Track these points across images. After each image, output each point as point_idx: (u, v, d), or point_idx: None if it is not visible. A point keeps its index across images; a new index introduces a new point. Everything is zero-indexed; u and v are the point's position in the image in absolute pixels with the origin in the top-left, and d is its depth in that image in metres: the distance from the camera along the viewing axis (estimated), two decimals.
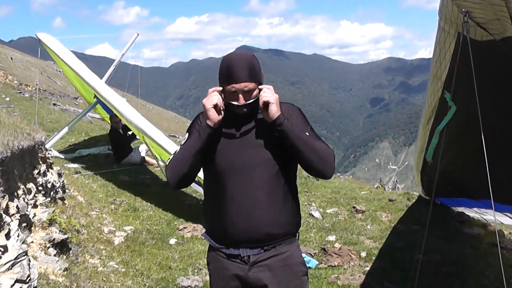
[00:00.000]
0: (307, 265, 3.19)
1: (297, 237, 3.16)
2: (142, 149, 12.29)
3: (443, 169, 6.94)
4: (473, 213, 9.56)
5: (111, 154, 12.32)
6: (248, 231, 2.95)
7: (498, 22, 2.70)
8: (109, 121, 12.45)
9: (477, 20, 2.79)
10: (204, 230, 3.28)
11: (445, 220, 9.37)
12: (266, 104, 2.86)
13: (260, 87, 2.92)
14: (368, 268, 7.23)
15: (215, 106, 2.87)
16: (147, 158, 12.35)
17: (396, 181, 25.81)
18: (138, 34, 13.90)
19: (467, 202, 8.34)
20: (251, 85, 2.87)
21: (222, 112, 2.91)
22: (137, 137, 11.64)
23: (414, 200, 10.62)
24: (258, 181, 2.94)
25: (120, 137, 11.96)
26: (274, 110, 2.85)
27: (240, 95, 2.87)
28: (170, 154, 8.58)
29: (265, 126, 2.94)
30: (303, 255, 3.18)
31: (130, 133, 12.05)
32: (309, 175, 12.44)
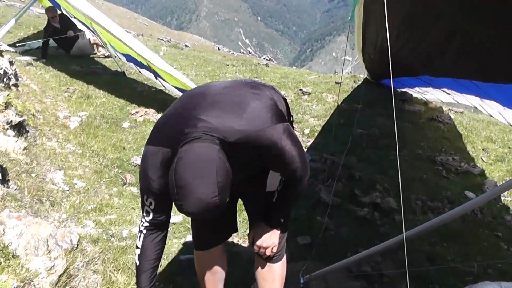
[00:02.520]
0: None
1: None
2: (88, 34, 12.14)
3: (380, 47, 7.34)
4: (415, 93, 10.10)
5: None
6: None
7: None
8: (47, 15, 12.00)
9: None
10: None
11: (388, 99, 9.90)
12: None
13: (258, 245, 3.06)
14: (310, 143, 7.76)
15: None
16: (93, 40, 12.28)
17: (351, 71, 26.31)
18: None
19: (409, 81, 8.81)
20: None
21: None
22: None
23: (360, 82, 11.10)
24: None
25: (56, 30, 11.60)
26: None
27: None
28: (122, 42, 8.71)
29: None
30: None
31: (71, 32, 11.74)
32: (259, 63, 12.65)
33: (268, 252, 3.06)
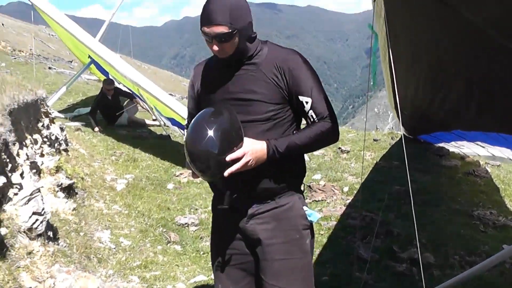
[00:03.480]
0: (308, 218, 2.98)
1: (302, 189, 3.03)
2: (132, 111, 12.31)
3: (412, 103, 7.53)
4: (452, 147, 10.17)
5: None
6: (244, 186, 2.82)
7: None
8: (103, 86, 12.15)
9: None
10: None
11: (425, 155, 10.01)
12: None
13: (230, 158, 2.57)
14: (349, 201, 7.90)
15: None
16: (134, 119, 12.39)
17: (392, 127, 26.30)
18: None
19: (444, 135, 8.92)
20: (222, 28, 2.59)
21: None
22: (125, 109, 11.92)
23: (397, 139, 11.23)
24: (254, 134, 2.72)
25: (108, 103, 11.73)
26: (260, 162, 2.68)
27: (214, 42, 2.64)
28: (166, 106, 9.14)
29: (262, 71, 2.76)
30: (305, 207, 2.97)
31: (119, 113, 11.93)
32: None
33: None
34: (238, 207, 2.88)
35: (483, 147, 8.38)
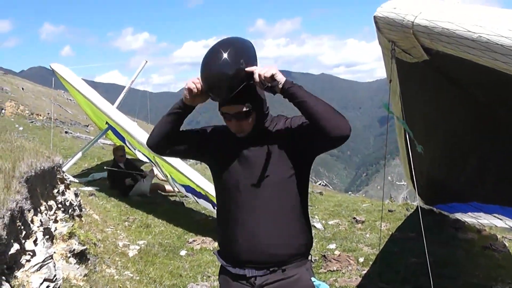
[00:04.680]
0: None
1: (309, 259, 3.08)
2: (149, 178, 12.01)
3: (428, 174, 7.50)
4: (468, 218, 10.04)
5: None
6: (252, 251, 2.89)
7: (415, 49, 3.35)
8: (114, 154, 12.18)
9: (402, 48, 3.43)
10: (216, 246, 3.37)
11: (442, 226, 9.87)
12: (265, 80, 2.71)
13: (248, 69, 2.72)
14: (365, 272, 7.76)
15: (191, 89, 2.85)
16: (157, 185, 12.14)
17: (406, 197, 26.05)
18: (147, 61, 14.00)
19: (460, 206, 8.84)
20: (240, 108, 2.81)
21: (201, 97, 2.89)
22: (138, 178, 11.63)
23: (412, 210, 11.13)
24: (264, 201, 2.88)
25: (119, 173, 11.44)
26: (279, 78, 2.72)
27: (233, 120, 2.87)
28: (181, 173, 9.23)
29: (274, 139, 2.91)
30: (313, 279, 3.02)
31: (130, 180, 11.50)
32: (313, 191, 12.82)
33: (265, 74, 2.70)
34: (245, 275, 2.95)
35: (500, 219, 8.27)
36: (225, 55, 2.69)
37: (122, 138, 12.73)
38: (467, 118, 4.62)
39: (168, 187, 12.31)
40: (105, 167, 12.35)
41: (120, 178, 11.38)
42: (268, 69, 2.69)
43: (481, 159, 5.40)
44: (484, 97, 3.96)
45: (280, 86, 2.74)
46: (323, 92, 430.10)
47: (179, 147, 3.09)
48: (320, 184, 28.85)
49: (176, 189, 11.87)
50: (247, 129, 2.89)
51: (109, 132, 13.03)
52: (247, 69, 2.70)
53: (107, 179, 11.81)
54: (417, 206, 10.93)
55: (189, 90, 2.83)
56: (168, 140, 3.04)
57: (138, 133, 9.94)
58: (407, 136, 3.85)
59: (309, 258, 3.08)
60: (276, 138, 2.94)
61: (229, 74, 2.67)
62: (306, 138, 2.87)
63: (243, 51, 2.77)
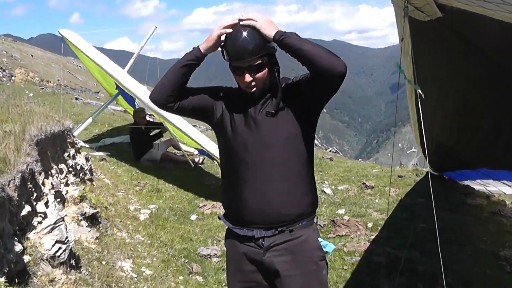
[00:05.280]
0: (324, 249, 3.08)
1: (315, 220, 3.12)
2: (163, 146, 11.93)
3: (438, 140, 7.48)
4: (477, 185, 10.05)
5: None
6: (261, 210, 2.93)
7: (429, 6, 3.30)
8: (133, 116, 12.16)
9: (415, 5, 3.38)
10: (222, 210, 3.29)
11: (451, 193, 9.89)
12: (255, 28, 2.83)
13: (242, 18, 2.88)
14: (373, 237, 7.82)
15: (219, 37, 2.93)
16: (168, 155, 11.95)
17: (417, 164, 26.01)
18: (156, 27, 13.93)
19: (469, 174, 8.84)
20: (256, 61, 2.85)
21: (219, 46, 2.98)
22: (158, 138, 11.69)
23: (422, 176, 11.14)
24: (272, 160, 2.92)
25: (141, 134, 11.50)
26: (266, 31, 2.81)
27: (245, 74, 2.88)
28: (192, 139, 9.33)
29: (282, 99, 2.94)
30: (320, 239, 3.09)
31: (153, 133, 11.77)
32: (323, 156, 12.82)
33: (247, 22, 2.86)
34: (254, 237, 3.00)
35: (509, 185, 8.27)
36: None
37: (133, 103, 12.77)
38: (480, 79, 4.57)
39: (178, 158, 12.15)
40: (128, 126, 12.34)
41: (142, 139, 11.46)
42: (260, 23, 2.83)
43: (493, 123, 5.36)
44: (499, 57, 3.90)
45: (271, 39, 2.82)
46: None
47: (188, 103, 3.08)
48: (330, 151, 28.83)
49: (189, 153, 11.94)
50: (259, 84, 2.92)
51: (120, 98, 13.06)
52: (243, 23, 2.86)
53: (130, 138, 11.75)
54: (427, 172, 10.94)
55: (219, 36, 2.92)
56: (179, 94, 3.03)
57: (147, 95, 9.93)
58: (417, 95, 3.81)
59: (315, 220, 3.12)
60: (283, 97, 2.96)
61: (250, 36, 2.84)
62: (309, 87, 2.93)
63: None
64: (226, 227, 3.21)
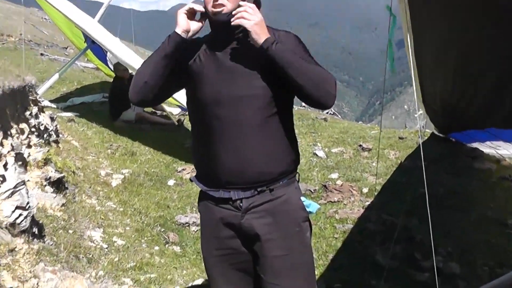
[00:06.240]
0: (307, 209, 3.06)
1: (296, 178, 3.09)
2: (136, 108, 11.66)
3: (441, 97, 7.54)
4: (487, 148, 10.11)
5: (106, 101, 12.20)
6: (237, 169, 2.87)
7: None
8: (113, 71, 11.99)
9: None
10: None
11: (457, 155, 9.96)
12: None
13: (241, 3, 2.75)
14: (368, 203, 7.92)
15: (188, 13, 2.83)
16: (143, 115, 11.85)
17: (423, 126, 25.98)
18: None
19: (477, 134, 8.88)
20: None
21: (200, 22, 2.88)
22: None
23: (426, 138, 11.19)
24: (248, 114, 2.82)
25: (124, 88, 11.08)
26: (256, 36, 2.72)
27: None
28: (172, 97, 9.35)
29: (256, 48, 2.77)
30: (303, 198, 3.07)
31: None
32: (317, 117, 12.87)
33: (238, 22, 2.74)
34: (231, 198, 2.92)
35: None
36: None
37: (104, 59, 12.70)
38: (487, 26, 4.57)
39: (155, 119, 12.12)
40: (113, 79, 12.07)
41: (123, 96, 11.13)
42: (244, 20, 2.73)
43: (501, 75, 5.37)
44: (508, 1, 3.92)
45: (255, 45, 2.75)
46: (334, 12, 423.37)
47: (166, 91, 3.02)
48: (327, 113, 28.77)
49: (171, 113, 11.92)
50: (230, 2, 2.78)
51: (89, 52, 12.96)
52: (234, 23, 2.75)
53: (110, 94, 11.65)
54: (431, 133, 11.02)
55: (188, 12, 2.86)
56: (160, 91, 2.92)
57: (119, 48, 9.89)
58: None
59: (296, 177, 3.09)
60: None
61: None
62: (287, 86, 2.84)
63: None
64: (198, 194, 3.17)
